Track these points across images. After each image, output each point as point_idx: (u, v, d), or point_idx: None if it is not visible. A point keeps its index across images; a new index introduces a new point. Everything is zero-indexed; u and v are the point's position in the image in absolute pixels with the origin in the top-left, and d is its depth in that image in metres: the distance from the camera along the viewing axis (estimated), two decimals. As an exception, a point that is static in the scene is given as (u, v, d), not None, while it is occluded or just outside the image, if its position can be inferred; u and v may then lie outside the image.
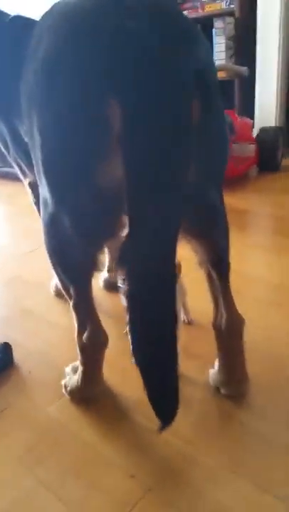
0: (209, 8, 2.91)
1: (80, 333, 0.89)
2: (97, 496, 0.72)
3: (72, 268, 0.83)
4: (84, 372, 0.91)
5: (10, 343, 1.07)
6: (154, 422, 0.70)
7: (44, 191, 0.76)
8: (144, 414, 0.87)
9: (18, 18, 1.08)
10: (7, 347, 1.05)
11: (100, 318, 0.90)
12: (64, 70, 0.62)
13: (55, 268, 0.85)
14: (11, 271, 1.61)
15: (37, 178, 0.78)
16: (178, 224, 0.66)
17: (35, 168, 0.78)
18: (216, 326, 0.89)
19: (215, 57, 2.92)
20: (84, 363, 0.91)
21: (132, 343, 0.68)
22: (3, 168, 3.01)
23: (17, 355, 1.08)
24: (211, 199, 0.78)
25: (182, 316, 1.10)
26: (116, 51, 0.58)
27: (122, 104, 0.58)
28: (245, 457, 0.77)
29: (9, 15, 1.10)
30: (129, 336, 0.68)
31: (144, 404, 0.88)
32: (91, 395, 0.93)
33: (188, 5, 3.04)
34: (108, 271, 1.39)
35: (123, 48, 0.58)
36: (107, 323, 0.91)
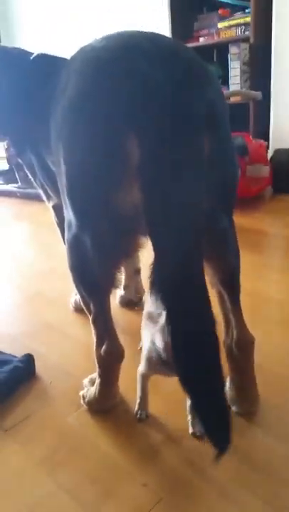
0: (225, 35, 3.02)
1: (98, 347, 0.95)
2: (112, 502, 0.77)
3: (92, 285, 0.89)
4: (101, 384, 0.97)
5: (32, 354, 1.14)
6: (166, 433, 0.74)
7: (69, 214, 0.84)
8: (157, 425, 0.92)
9: (43, 57, 1.18)
10: (30, 358, 1.12)
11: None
12: (88, 108, 0.71)
13: (76, 284, 0.91)
14: (32, 287, 1.69)
15: (63, 202, 0.87)
16: (200, 247, 0.70)
17: (61, 193, 0.87)
18: (226, 345, 0.93)
19: (230, 81, 3.02)
20: (101, 376, 0.97)
21: (178, 369, 0.69)
22: (26, 189, 3.14)
23: (39, 366, 1.14)
24: (221, 223, 0.83)
25: None
26: (134, 92, 0.66)
27: (140, 141, 0.66)
28: (255, 473, 0.81)
29: (32, 53, 1.20)
30: (175, 364, 0.69)
31: (155, 416, 0.94)
32: (107, 406, 0.98)
33: (204, 32, 3.16)
34: (124, 288, 1.45)
35: (140, 89, 0.66)
36: (122, 339, 0.97)
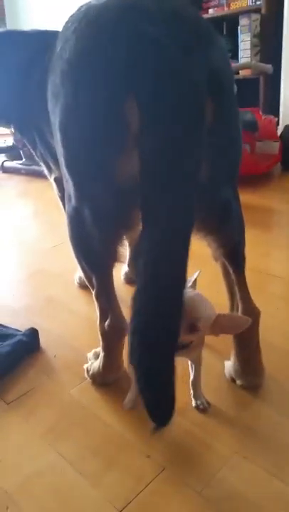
0: (235, 6, 2.92)
1: (102, 321, 0.94)
2: (114, 472, 0.77)
3: (94, 258, 0.88)
4: (105, 358, 0.96)
5: (36, 328, 1.13)
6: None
7: (68, 186, 0.82)
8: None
9: (37, 32, 1.17)
10: (34, 332, 1.11)
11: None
12: (87, 69, 0.67)
13: (78, 258, 0.90)
14: (36, 264, 1.68)
15: (62, 175, 0.84)
16: (191, 221, 0.67)
17: (60, 165, 0.84)
18: None
19: (240, 55, 2.93)
20: (105, 349, 0.96)
21: (131, 342, 0.66)
22: (31, 166, 3.11)
23: (43, 341, 1.14)
24: (224, 195, 0.81)
25: None
26: (135, 53, 0.63)
27: (139, 102, 0.63)
28: (257, 444, 0.80)
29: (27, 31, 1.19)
30: (129, 334, 0.66)
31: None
32: (111, 379, 0.98)
33: (213, 2, 3.05)
34: (128, 265, 1.44)
35: (142, 50, 0.63)
36: (126, 314, 0.95)
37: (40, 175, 3.05)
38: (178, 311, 0.67)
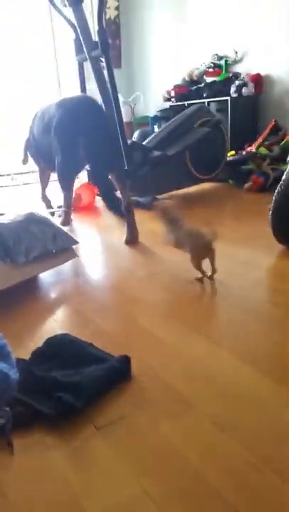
0: None
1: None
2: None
3: (65, 180, 2.63)
4: None
5: (129, 356, 1.15)
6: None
7: (58, 158, 2.51)
8: (248, 449, 0.86)
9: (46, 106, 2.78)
10: (126, 359, 1.13)
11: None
12: (63, 127, 2.44)
13: (59, 179, 2.62)
14: (130, 291, 1.72)
15: (55, 157, 2.54)
16: (106, 175, 2.39)
17: (54, 154, 2.57)
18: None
19: None
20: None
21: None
22: (134, 196, 3.25)
23: (134, 368, 1.15)
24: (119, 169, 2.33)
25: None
26: (79, 121, 2.37)
27: (83, 139, 2.35)
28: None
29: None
30: None
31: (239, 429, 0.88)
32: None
33: None
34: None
35: (81, 120, 2.37)
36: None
37: (141, 205, 3.17)
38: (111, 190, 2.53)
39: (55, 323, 1.48)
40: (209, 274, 1.70)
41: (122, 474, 0.84)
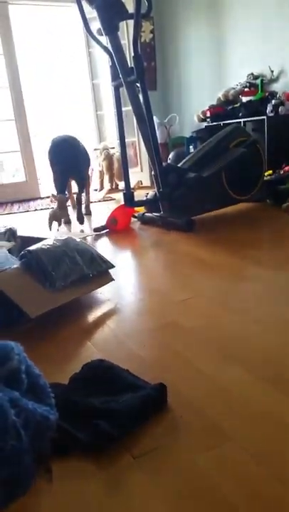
0: None
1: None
2: None
3: (60, 186, 3.60)
4: None
5: (165, 384, 1.15)
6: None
7: (52, 174, 3.63)
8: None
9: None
10: (162, 388, 1.13)
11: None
12: (52, 156, 3.63)
13: (55, 186, 3.63)
14: (166, 316, 1.73)
15: (53, 175, 3.64)
16: (66, 178, 3.73)
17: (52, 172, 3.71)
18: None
19: None
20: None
21: None
22: (167, 218, 3.28)
23: (169, 397, 1.14)
24: (82, 175, 3.85)
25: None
26: (59, 154, 3.64)
27: (64, 166, 3.63)
28: None
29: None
30: None
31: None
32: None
33: None
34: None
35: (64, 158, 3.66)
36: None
37: (175, 227, 3.19)
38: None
39: (92, 347, 1.51)
40: None
41: (158, 507, 0.84)
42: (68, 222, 3.83)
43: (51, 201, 4.41)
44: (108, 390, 1.15)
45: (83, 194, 3.88)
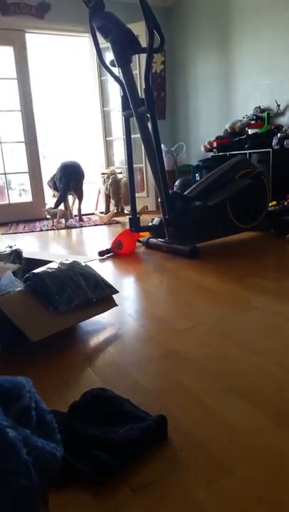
0: None
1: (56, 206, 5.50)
2: None
3: (62, 194, 5.53)
4: None
5: (166, 416, 1.14)
6: None
7: (60, 186, 5.56)
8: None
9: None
10: (163, 420, 1.12)
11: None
12: (63, 174, 5.55)
13: (60, 193, 5.59)
14: (168, 344, 1.73)
15: (58, 184, 5.64)
16: (66, 190, 5.67)
17: (58, 186, 5.69)
18: None
19: None
20: None
21: None
22: (172, 245, 3.30)
23: (170, 429, 1.14)
24: (82, 191, 5.75)
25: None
26: (69, 175, 5.59)
27: (69, 181, 5.56)
28: None
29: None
30: None
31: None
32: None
33: None
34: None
35: (69, 174, 5.58)
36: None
37: (179, 253, 3.22)
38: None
39: (93, 375, 1.50)
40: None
41: None
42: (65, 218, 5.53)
43: (47, 213, 5.65)
44: (108, 421, 1.14)
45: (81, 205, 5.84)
